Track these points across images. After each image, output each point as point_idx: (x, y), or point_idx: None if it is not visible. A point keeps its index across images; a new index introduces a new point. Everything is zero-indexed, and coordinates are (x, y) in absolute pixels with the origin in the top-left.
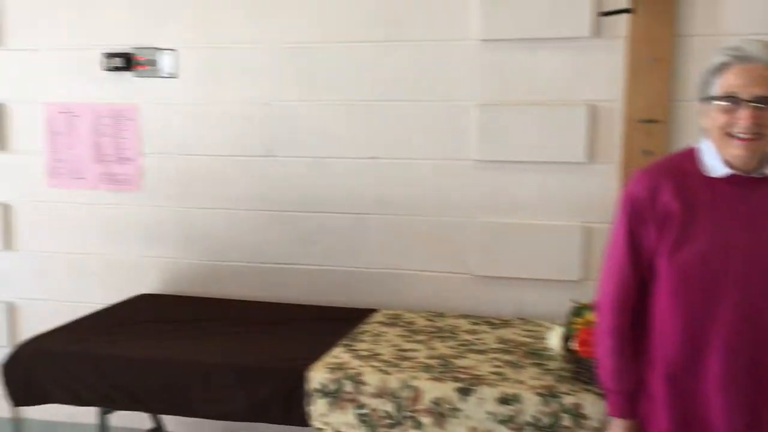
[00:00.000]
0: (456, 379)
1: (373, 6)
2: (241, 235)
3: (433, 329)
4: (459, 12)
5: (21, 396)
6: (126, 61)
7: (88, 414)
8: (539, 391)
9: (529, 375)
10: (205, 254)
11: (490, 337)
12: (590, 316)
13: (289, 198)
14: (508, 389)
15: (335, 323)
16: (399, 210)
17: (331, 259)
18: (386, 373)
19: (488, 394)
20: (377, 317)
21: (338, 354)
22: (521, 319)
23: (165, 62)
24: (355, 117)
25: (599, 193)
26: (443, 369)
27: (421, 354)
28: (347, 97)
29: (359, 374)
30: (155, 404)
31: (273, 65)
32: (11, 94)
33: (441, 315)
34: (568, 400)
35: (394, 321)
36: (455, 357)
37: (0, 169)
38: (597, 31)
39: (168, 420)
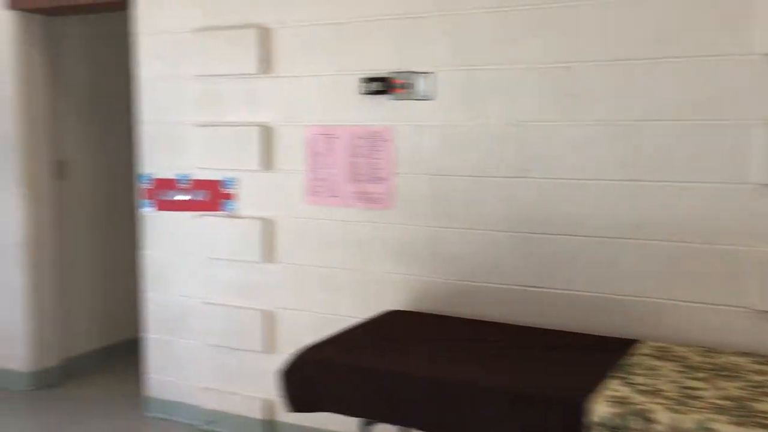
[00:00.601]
0: (761, 425)
1: (641, 22)
2: (491, 256)
3: (711, 366)
4: (741, 25)
5: (297, 402)
6: (384, 85)
7: (339, 422)
8: None
9: None
10: (454, 274)
11: None
12: None
13: (542, 219)
14: None
15: (595, 352)
16: (662, 236)
17: (584, 285)
18: (678, 412)
19: None
20: (642, 349)
21: (616, 387)
22: None
23: (421, 85)
24: (616, 138)
25: None
26: (741, 413)
27: (709, 394)
28: (609, 117)
29: (647, 411)
30: (425, 422)
31: (530, 85)
32: (278, 118)
33: (715, 351)
34: None
35: (663, 354)
36: (750, 400)
37: (266, 187)
38: None
39: None
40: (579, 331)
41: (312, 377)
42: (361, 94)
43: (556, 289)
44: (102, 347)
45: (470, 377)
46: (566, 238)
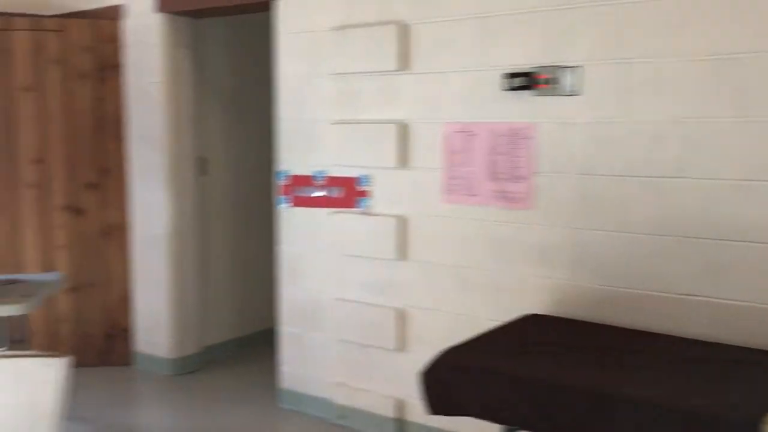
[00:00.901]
0: None
1: None
2: (641, 261)
3: None
4: None
5: (437, 405)
6: (527, 80)
7: (473, 426)
8: None
9: None
10: (600, 278)
11: None
12: None
13: (700, 223)
14: None
15: (764, 368)
16: None
17: (748, 295)
18: None
19: None
20: None
21: None
22: None
23: (567, 80)
24: None
25: None
26: None
27: None
28: None
29: None
30: None
31: (691, 79)
32: (415, 115)
33: None
34: None
35: None
36: None
37: (401, 185)
38: None
39: None
40: (741, 345)
41: (453, 380)
42: (503, 90)
43: (716, 298)
44: (238, 337)
45: (628, 389)
46: (728, 244)
